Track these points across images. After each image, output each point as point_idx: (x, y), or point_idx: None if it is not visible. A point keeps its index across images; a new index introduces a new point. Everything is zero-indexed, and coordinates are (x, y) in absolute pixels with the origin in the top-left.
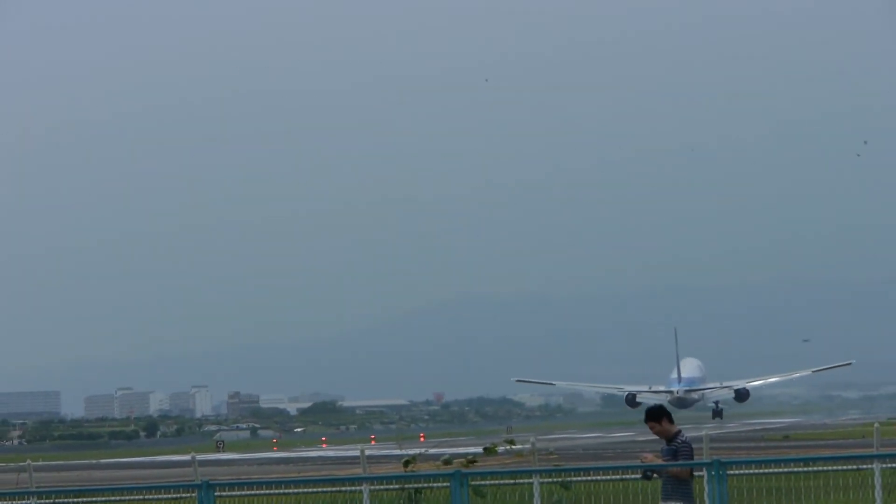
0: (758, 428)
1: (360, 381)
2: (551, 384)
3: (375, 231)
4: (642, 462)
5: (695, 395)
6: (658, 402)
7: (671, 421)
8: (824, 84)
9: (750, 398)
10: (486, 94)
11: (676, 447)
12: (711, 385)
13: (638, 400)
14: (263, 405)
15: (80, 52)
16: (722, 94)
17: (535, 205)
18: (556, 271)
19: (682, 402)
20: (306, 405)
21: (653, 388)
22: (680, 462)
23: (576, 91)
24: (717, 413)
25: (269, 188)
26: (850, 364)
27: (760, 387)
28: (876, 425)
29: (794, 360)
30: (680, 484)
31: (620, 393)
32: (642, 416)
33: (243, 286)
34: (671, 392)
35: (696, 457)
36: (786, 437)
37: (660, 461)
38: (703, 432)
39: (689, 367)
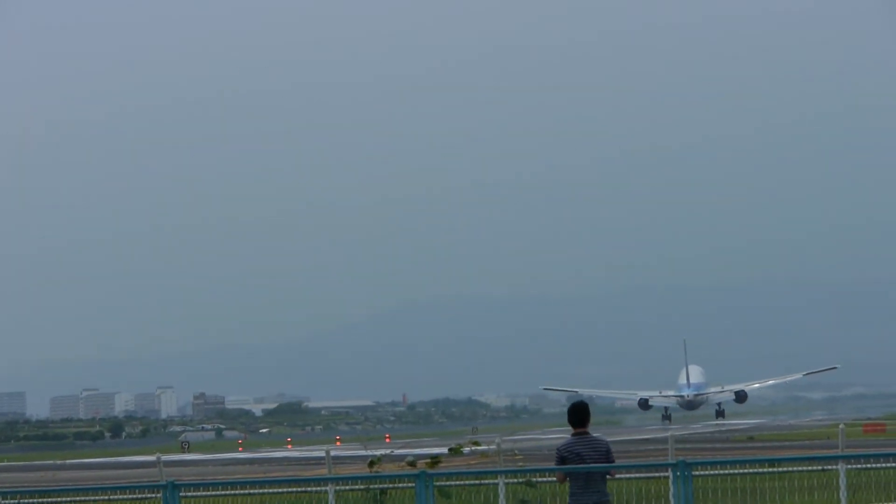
0: (723, 429)
1: (326, 382)
2: (575, 391)
3: (344, 234)
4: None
5: (701, 398)
6: (666, 405)
7: (571, 423)
8: (815, 84)
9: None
10: (477, 94)
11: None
12: (714, 389)
13: (650, 403)
14: (229, 406)
15: (78, 51)
16: (710, 94)
17: (511, 206)
18: (528, 273)
19: (691, 405)
20: (272, 406)
21: (663, 393)
22: (615, 464)
23: (571, 91)
24: (720, 413)
25: (242, 189)
26: (836, 368)
27: (756, 390)
28: (841, 426)
29: (773, 360)
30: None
31: (633, 398)
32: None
33: (210, 288)
34: (682, 396)
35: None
36: (751, 438)
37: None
38: (669, 433)
39: (695, 373)
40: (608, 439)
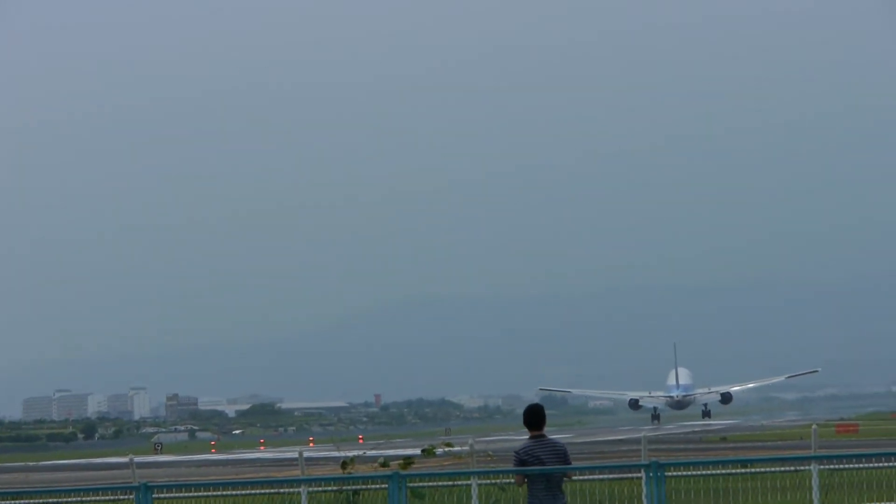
0: (696, 430)
1: (299, 383)
2: (568, 392)
3: (318, 234)
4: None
5: (689, 399)
6: (655, 405)
7: (527, 426)
8: (814, 85)
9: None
10: (451, 94)
11: None
12: (701, 390)
13: (640, 404)
14: (202, 407)
15: (76, 49)
16: (707, 94)
17: (486, 206)
18: (502, 273)
19: (680, 405)
20: (245, 407)
21: (652, 393)
22: (570, 466)
23: (566, 91)
24: (706, 413)
25: (213, 191)
26: (816, 371)
27: (740, 391)
28: (813, 427)
29: (748, 360)
30: None
31: (623, 398)
32: (635, 416)
33: (183, 289)
34: (671, 396)
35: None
36: (723, 439)
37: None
38: (642, 434)
39: (683, 375)
40: (583, 440)
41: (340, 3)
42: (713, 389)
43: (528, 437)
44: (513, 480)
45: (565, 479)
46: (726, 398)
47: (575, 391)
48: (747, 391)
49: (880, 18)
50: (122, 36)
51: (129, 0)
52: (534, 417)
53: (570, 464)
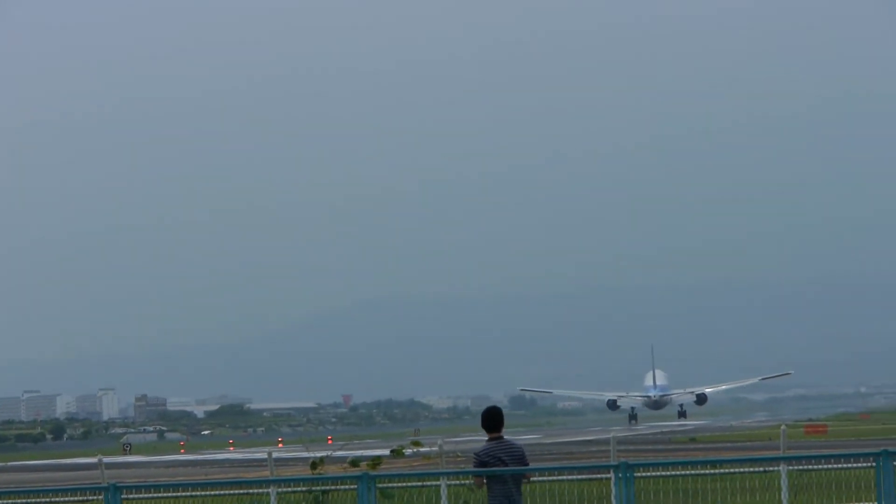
0: (665, 430)
1: (268, 383)
2: (549, 392)
3: (287, 234)
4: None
5: (666, 399)
6: (633, 405)
7: (485, 428)
8: (781, 85)
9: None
10: (414, 93)
11: None
12: (678, 391)
13: (618, 404)
14: (171, 408)
15: (72, 47)
16: (676, 94)
17: (456, 207)
18: (471, 274)
19: (657, 405)
20: (214, 408)
21: (629, 394)
22: (525, 468)
23: (534, 91)
24: (682, 413)
25: (184, 191)
26: (789, 374)
27: (714, 392)
28: (782, 427)
29: (718, 360)
30: None
31: (601, 398)
32: (614, 416)
33: (151, 290)
34: (648, 396)
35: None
36: (692, 440)
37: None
38: (611, 434)
39: (660, 377)
40: (552, 440)
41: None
42: (689, 390)
43: (486, 439)
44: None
45: (524, 480)
46: (701, 399)
47: (555, 391)
48: (721, 392)
49: (872, 17)
50: (117, 36)
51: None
52: (492, 420)
53: (527, 465)
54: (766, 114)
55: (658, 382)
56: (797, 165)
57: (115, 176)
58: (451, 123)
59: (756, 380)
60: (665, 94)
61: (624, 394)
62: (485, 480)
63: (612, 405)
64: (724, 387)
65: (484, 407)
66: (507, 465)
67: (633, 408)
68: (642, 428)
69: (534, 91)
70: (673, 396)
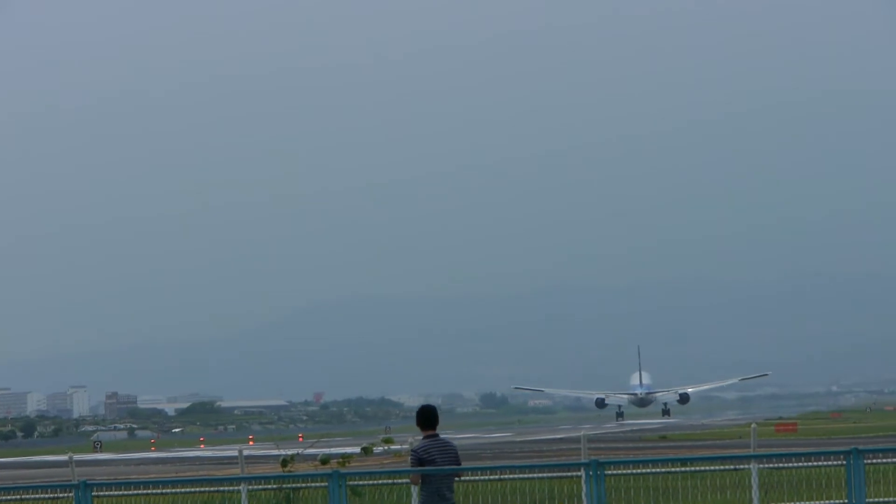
0: (635, 428)
1: (239, 381)
2: (541, 391)
3: (258, 230)
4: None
5: (651, 397)
6: (619, 403)
7: (421, 426)
8: (731, 83)
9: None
10: (360, 93)
11: None
12: (662, 390)
13: (606, 402)
14: (141, 405)
15: (68, 43)
16: (645, 90)
17: (423, 204)
18: (442, 272)
19: (642, 402)
20: (184, 406)
21: (617, 393)
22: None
23: (490, 91)
24: (666, 412)
25: (152, 189)
26: (766, 375)
27: (696, 392)
28: (753, 426)
29: (690, 361)
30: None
31: (591, 397)
32: (600, 414)
33: (122, 287)
34: (635, 394)
35: (574, 458)
36: (663, 438)
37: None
38: (581, 432)
39: (645, 376)
40: (523, 438)
41: None
42: (672, 390)
43: (422, 436)
44: (458, 479)
45: (457, 478)
46: (684, 398)
47: (547, 390)
48: (702, 392)
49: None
50: (108, 30)
51: None
52: (427, 418)
53: (460, 464)
54: (737, 113)
55: (643, 382)
56: (769, 164)
57: (83, 174)
58: (427, 119)
59: (736, 380)
60: (629, 92)
61: (612, 393)
62: (420, 478)
63: (601, 403)
64: (705, 387)
65: (455, 406)
66: (440, 462)
67: (619, 406)
68: (612, 426)
69: (503, 90)
70: (657, 395)
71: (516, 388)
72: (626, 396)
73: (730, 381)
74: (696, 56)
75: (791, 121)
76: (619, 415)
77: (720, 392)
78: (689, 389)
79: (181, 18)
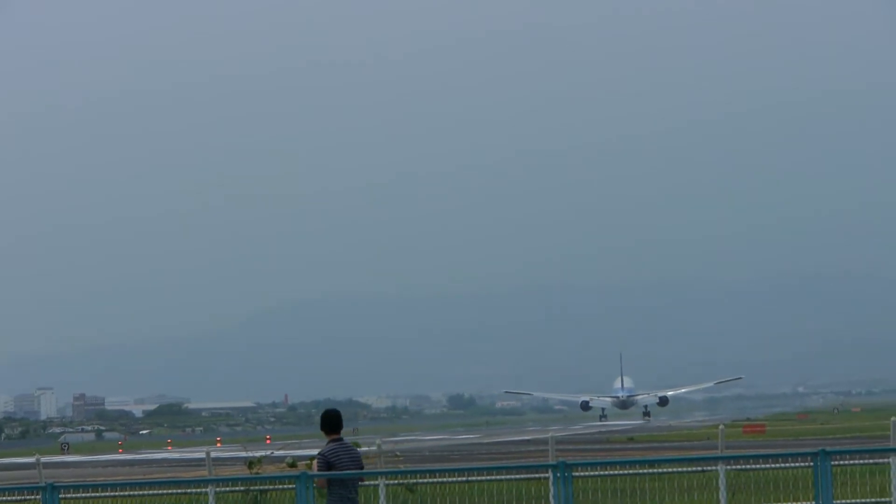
0: (603, 430)
1: (206, 383)
2: (530, 394)
3: (227, 231)
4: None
5: (633, 400)
6: (603, 406)
7: (325, 430)
8: (731, 83)
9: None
10: (360, 93)
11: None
12: (643, 393)
13: (591, 405)
14: (109, 407)
15: (68, 42)
16: (627, 93)
17: (391, 203)
18: (410, 272)
19: (624, 405)
20: (152, 407)
21: (601, 396)
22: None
23: (460, 91)
24: (647, 414)
25: (124, 189)
26: (740, 378)
27: (674, 396)
28: (720, 427)
29: (660, 361)
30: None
31: (576, 400)
32: (587, 415)
33: (90, 288)
34: (617, 397)
35: (543, 459)
36: (630, 439)
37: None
38: (549, 434)
39: (627, 380)
40: (491, 440)
41: None
42: (652, 393)
43: (328, 440)
44: (428, 479)
45: (360, 482)
46: (663, 401)
47: (535, 394)
48: (678, 395)
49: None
50: (104, 25)
51: None
52: (332, 422)
53: (363, 468)
54: (713, 118)
55: (626, 385)
56: (737, 167)
57: (55, 176)
58: (427, 119)
59: (712, 384)
60: (629, 92)
61: (596, 396)
62: (327, 482)
63: (585, 406)
64: (683, 390)
65: (423, 407)
66: (348, 466)
67: (603, 408)
68: (579, 427)
69: (503, 89)
70: (638, 398)
71: (506, 391)
72: (609, 399)
73: (706, 385)
74: (696, 56)
75: (775, 123)
76: (603, 416)
77: (690, 394)
78: (669, 393)
79: (181, 18)
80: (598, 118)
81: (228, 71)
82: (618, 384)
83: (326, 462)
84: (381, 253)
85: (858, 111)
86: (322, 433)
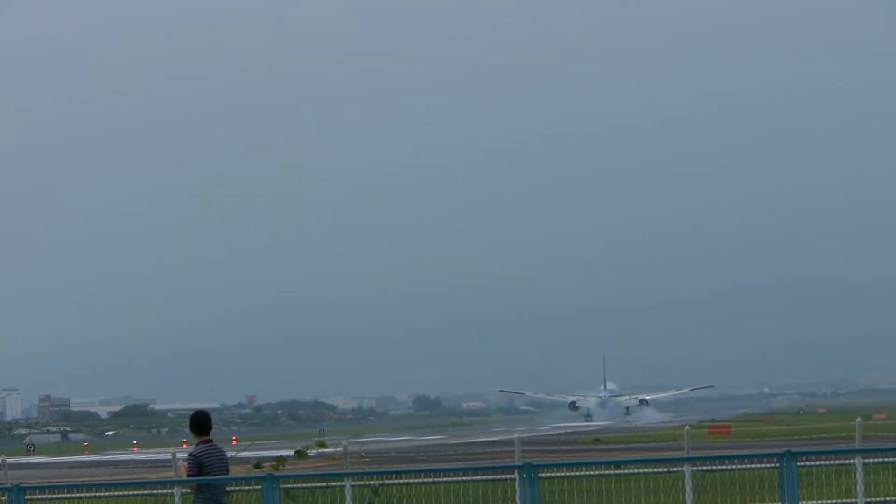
0: (569, 431)
1: (172, 384)
2: (523, 394)
3: (193, 231)
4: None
5: (615, 402)
6: (588, 406)
7: (195, 432)
8: (696, 82)
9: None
10: (359, 90)
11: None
12: (625, 395)
13: (577, 405)
14: (74, 408)
15: (67, 40)
16: (607, 88)
17: (358, 207)
18: (374, 275)
19: (606, 406)
20: (117, 408)
21: (587, 397)
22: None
23: (436, 91)
24: (628, 414)
25: (85, 192)
26: (713, 386)
27: (652, 399)
28: (686, 428)
29: (626, 362)
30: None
31: (566, 400)
32: (573, 415)
33: (55, 288)
34: (600, 398)
35: (507, 460)
36: (596, 440)
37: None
38: (515, 435)
39: (610, 383)
40: (458, 441)
41: None
42: (633, 396)
43: (197, 442)
44: (395, 481)
45: (228, 488)
46: (643, 403)
47: (527, 393)
48: (656, 399)
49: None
50: (100, 22)
51: None
52: (202, 424)
53: (229, 471)
54: (678, 118)
55: (609, 387)
56: (696, 166)
57: (19, 175)
58: (424, 117)
59: (687, 390)
60: (558, 92)
61: (582, 397)
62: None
63: (573, 406)
64: (661, 395)
65: (389, 408)
66: (218, 467)
67: (588, 409)
68: (546, 429)
69: (500, 84)
70: (620, 399)
71: (501, 390)
72: (594, 400)
73: (683, 391)
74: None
75: (732, 125)
76: (588, 416)
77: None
78: (648, 396)
79: (181, 14)
80: (567, 117)
81: (224, 64)
82: (601, 386)
83: (197, 463)
84: (347, 255)
85: (823, 111)
86: (192, 434)
